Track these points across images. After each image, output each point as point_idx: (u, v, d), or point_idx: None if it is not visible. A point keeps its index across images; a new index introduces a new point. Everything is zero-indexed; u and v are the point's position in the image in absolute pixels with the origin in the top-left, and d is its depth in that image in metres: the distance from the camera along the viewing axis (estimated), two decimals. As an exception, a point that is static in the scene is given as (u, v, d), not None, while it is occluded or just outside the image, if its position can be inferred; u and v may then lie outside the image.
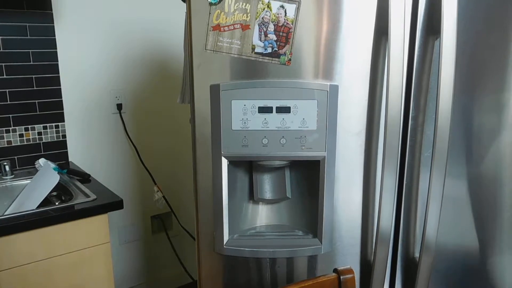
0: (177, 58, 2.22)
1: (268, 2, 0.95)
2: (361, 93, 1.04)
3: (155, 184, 2.23)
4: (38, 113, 1.85)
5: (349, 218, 1.11)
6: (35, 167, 1.82)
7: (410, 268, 1.16)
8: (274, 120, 1.02)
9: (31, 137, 1.85)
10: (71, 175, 1.74)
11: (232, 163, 1.08)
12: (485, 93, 1.08)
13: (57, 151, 1.92)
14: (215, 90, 1.01)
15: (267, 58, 0.99)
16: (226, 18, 0.96)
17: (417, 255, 1.14)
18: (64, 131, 1.93)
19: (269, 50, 0.98)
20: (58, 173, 1.62)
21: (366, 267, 1.15)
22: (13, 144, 1.82)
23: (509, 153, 1.13)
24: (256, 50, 0.98)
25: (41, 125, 1.87)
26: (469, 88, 1.07)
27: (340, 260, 1.14)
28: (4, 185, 1.68)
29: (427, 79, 1.05)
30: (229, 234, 1.10)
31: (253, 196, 1.16)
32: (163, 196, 2.21)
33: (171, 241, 2.38)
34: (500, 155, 1.13)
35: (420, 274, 1.10)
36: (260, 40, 0.97)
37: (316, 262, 1.14)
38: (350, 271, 0.92)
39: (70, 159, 1.97)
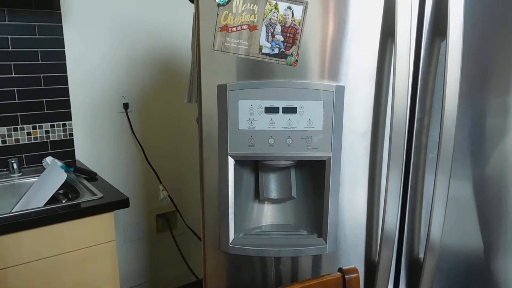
0: (183, 58, 2.23)
1: (276, 3, 0.96)
2: (367, 94, 1.04)
3: (161, 183, 2.24)
4: (45, 111, 1.86)
5: (354, 218, 1.12)
6: (42, 165, 1.83)
7: (415, 269, 1.17)
8: (280, 120, 1.02)
9: (38, 135, 1.87)
10: (77, 174, 1.75)
11: (238, 163, 1.09)
12: (491, 95, 1.09)
13: (64, 150, 1.94)
14: (222, 90, 1.02)
15: (274, 58, 0.99)
16: (233, 19, 0.97)
17: (421, 255, 1.15)
18: (71, 129, 1.94)
19: (276, 50, 0.99)
20: (65, 171, 1.63)
21: (371, 267, 1.16)
22: (21, 142, 1.83)
23: (515, 155, 1.14)
24: (263, 51, 0.99)
25: (49, 124, 1.88)
26: (475, 90, 1.08)
27: (344, 259, 1.14)
28: (11, 182, 1.70)
29: (433, 81, 1.06)
30: (235, 233, 1.11)
31: (258, 195, 1.16)
32: (168, 195, 2.22)
33: (176, 240, 2.40)
34: (506, 157, 1.13)
35: (424, 274, 1.11)
36: (267, 40, 0.98)
37: (321, 261, 1.14)
38: (354, 270, 0.92)
39: (77, 158, 1.99)
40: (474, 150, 1.12)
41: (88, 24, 1.93)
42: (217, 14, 0.97)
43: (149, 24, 2.10)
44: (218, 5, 0.97)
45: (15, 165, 1.74)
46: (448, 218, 1.13)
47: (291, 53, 0.99)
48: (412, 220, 1.14)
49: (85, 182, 1.66)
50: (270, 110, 1.02)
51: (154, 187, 2.26)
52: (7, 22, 1.71)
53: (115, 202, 1.50)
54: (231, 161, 1.06)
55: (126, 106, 2.09)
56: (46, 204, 1.48)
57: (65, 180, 1.57)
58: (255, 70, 1.01)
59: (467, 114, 1.09)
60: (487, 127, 1.11)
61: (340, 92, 1.01)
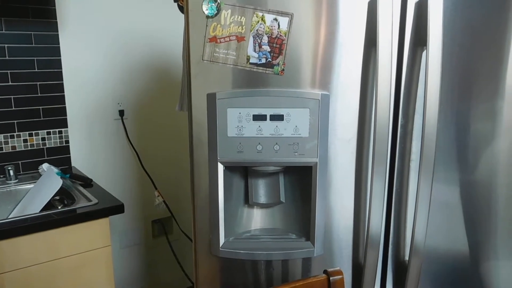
0: (177, 66, 2.27)
1: (262, 15, 1.00)
2: (352, 102, 1.08)
3: (156, 189, 2.27)
4: (42, 119, 1.89)
5: (341, 222, 1.15)
6: (38, 171, 1.86)
7: (401, 271, 1.19)
8: (268, 128, 1.06)
9: (35, 142, 1.89)
10: (73, 180, 1.78)
11: (228, 169, 1.12)
12: (479, 101, 1.12)
13: (60, 156, 1.96)
14: (211, 99, 1.05)
15: (261, 68, 1.03)
16: (222, 30, 1.01)
17: (407, 258, 1.18)
18: (67, 136, 1.97)
19: (263, 60, 1.02)
20: (61, 177, 1.66)
21: (358, 269, 1.18)
22: (17, 149, 1.86)
23: (502, 159, 1.16)
24: (250, 61, 1.02)
25: (45, 131, 1.91)
26: (457, 97, 1.11)
27: (333, 262, 1.17)
28: (8, 189, 1.72)
29: (416, 89, 1.09)
30: (225, 237, 1.14)
31: (248, 200, 1.19)
32: (164, 201, 2.25)
33: (172, 245, 2.42)
34: (494, 161, 1.16)
35: (409, 276, 1.13)
36: (255, 51, 1.02)
37: (310, 264, 1.17)
38: (339, 272, 0.95)
39: (72, 164, 2.01)
40: (460, 154, 1.14)
41: (84, 33, 1.96)
42: (206, 25, 1.01)
43: (143, 33, 2.14)
44: (207, 17, 1.00)
45: (11, 172, 1.76)
46: (435, 221, 1.16)
47: (278, 63, 1.02)
48: (397, 224, 1.17)
49: (81, 188, 1.69)
50: (258, 117, 1.05)
51: (150, 193, 2.29)
52: (4, 31, 1.75)
53: (110, 208, 1.52)
54: (220, 167, 1.09)
55: (121, 113, 2.12)
56: (42, 210, 1.50)
57: (61, 187, 1.60)
58: (243, 79, 1.04)
59: (452, 119, 1.12)
60: (473, 132, 1.14)
61: (325, 100, 1.05)
